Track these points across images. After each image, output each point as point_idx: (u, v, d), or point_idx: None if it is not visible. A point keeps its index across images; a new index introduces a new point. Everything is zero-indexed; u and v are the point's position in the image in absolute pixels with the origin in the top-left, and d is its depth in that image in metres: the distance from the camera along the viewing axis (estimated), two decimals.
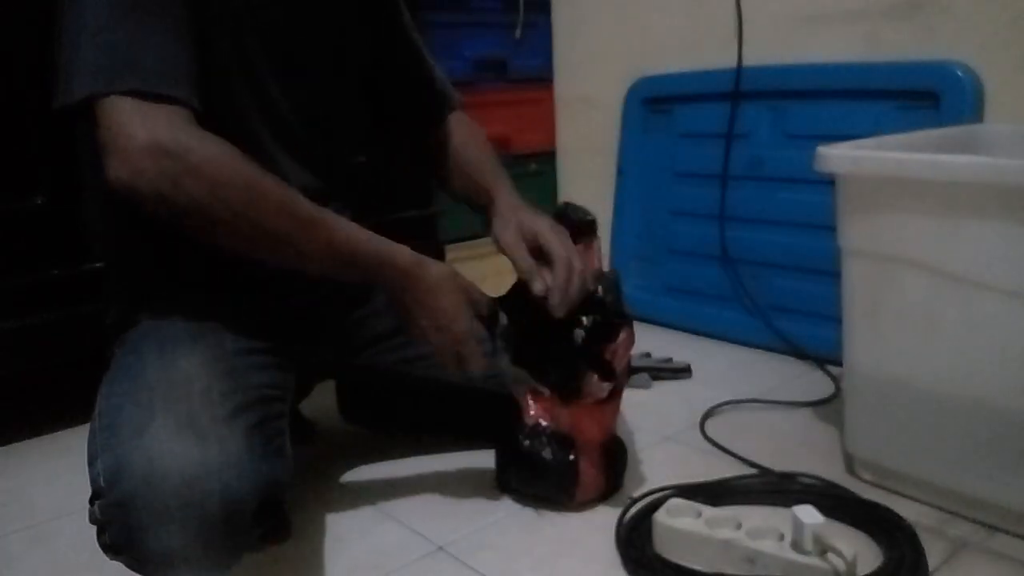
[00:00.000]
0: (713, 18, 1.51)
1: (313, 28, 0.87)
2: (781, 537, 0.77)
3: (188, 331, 0.78)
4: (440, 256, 1.58)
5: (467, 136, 1.01)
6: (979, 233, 0.78)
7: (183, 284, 0.85)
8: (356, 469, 1.07)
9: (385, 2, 0.96)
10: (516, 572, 0.82)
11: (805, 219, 1.37)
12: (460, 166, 1.00)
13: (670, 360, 1.36)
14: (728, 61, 1.47)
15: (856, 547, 0.73)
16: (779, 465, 0.98)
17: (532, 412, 0.92)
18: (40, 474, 1.10)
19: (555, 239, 0.87)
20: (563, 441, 0.91)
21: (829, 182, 0.92)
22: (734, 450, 1.04)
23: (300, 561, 0.86)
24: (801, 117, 1.39)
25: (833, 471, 0.97)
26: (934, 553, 0.80)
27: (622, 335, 0.88)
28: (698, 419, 1.15)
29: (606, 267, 0.97)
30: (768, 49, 1.44)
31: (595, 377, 0.87)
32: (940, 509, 0.88)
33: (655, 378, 1.31)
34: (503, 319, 0.87)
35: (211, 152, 0.69)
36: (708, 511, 0.82)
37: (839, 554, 0.72)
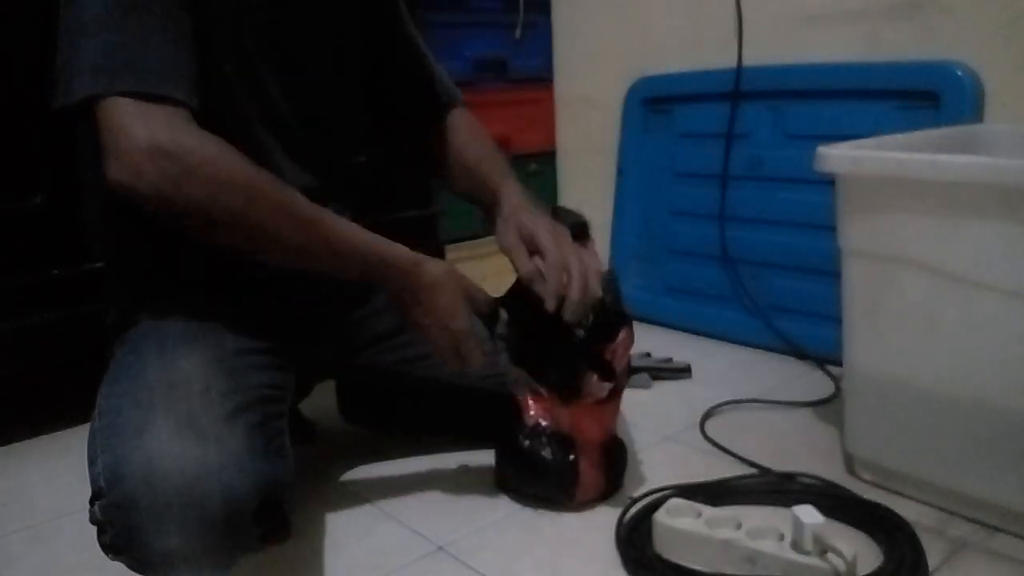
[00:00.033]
0: (713, 18, 1.51)
1: (313, 28, 0.87)
2: (781, 537, 0.77)
3: (188, 331, 0.78)
4: (440, 256, 1.58)
5: (469, 134, 1.01)
6: (979, 233, 0.78)
7: (183, 284, 0.85)
8: (356, 469, 1.07)
9: (384, 2, 0.96)
10: (516, 572, 0.82)
11: (805, 219, 1.37)
12: (463, 165, 0.99)
13: (670, 360, 1.36)
14: (728, 61, 1.47)
15: (856, 547, 0.73)
16: (779, 465, 0.98)
17: (532, 412, 0.92)
18: (40, 474, 1.10)
19: (550, 241, 0.86)
20: (563, 441, 0.91)
21: (829, 182, 0.92)
22: (734, 450, 1.04)
23: (300, 561, 0.86)
24: (801, 117, 1.39)
25: (833, 471, 0.97)
26: (934, 553, 0.80)
27: (622, 335, 0.88)
28: (698, 419, 1.15)
29: (604, 267, 0.97)
30: (768, 49, 1.44)
31: (595, 377, 0.87)
32: (940, 509, 0.88)
33: (655, 378, 1.31)
34: (503, 316, 0.87)
35: (211, 153, 0.69)
36: (708, 511, 0.82)
37: (839, 554, 0.72)
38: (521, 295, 0.88)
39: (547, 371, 0.90)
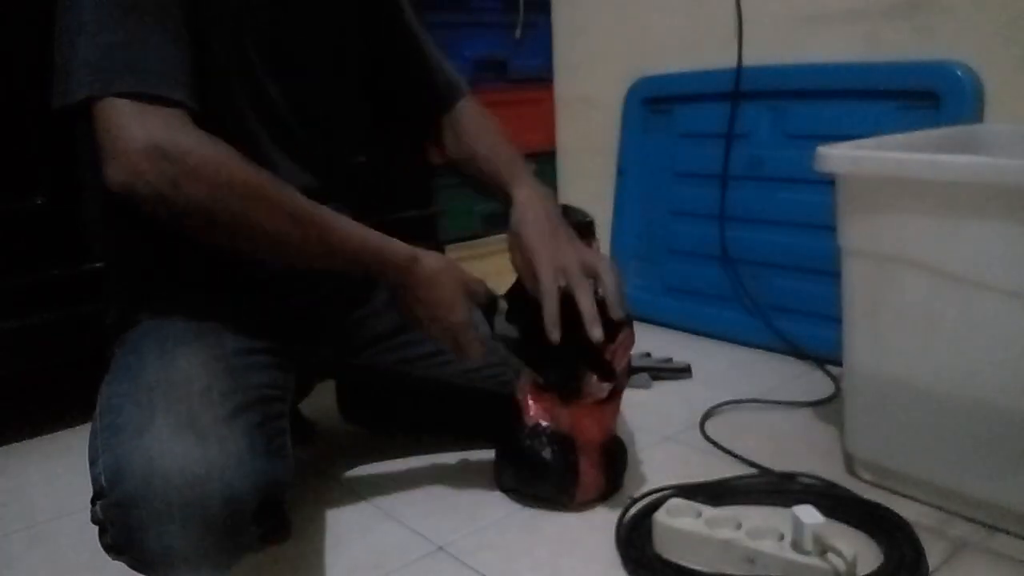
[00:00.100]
0: (713, 18, 1.51)
1: (313, 28, 0.87)
2: (781, 537, 0.77)
3: (188, 331, 0.78)
4: None
5: (477, 129, 1.00)
6: (979, 233, 0.78)
7: (183, 284, 0.85)
8: (356, 469, 1.07)
9: (384, 2, 0.96)
10: (516, 572, 0.82)
11: (805, 219, 1.37)
12: (472, 162, 0.99)
13: (670, 360, 1.36)
14: (728, 61, 1.47)
15: (856, 547, 0.73)
16: (779, 465, 0.98)
17: (532, 412, 0.92)
18: (40, 474, 1.10)
19: (545, 271, 0.85)
20: (563, 441, 0.91)
21: (829, 182, 0.92)
22: (734, 450, 1.04)
23: (300, 561, 0.86)
24: (801, 117, 1.39)
25: (833, 471, 0.97)
26: (934, 553, 0.80)
27: (622, 335, 0.88)
28: (698, 419, 1.15)
29: None
30: (768, 49, 1.44)
31: (595, 377, 0.87)
32: (940, 509, 0.88)
33: (655, 378, 1.31)
34: (502, 306, 0.87)
35: (209, 153, 0.69)
36: (708, 511, 0.82)
37: (839, 554, 0.72)
38: (521, 295, 0.88)
39: (547, 371, 0.90)
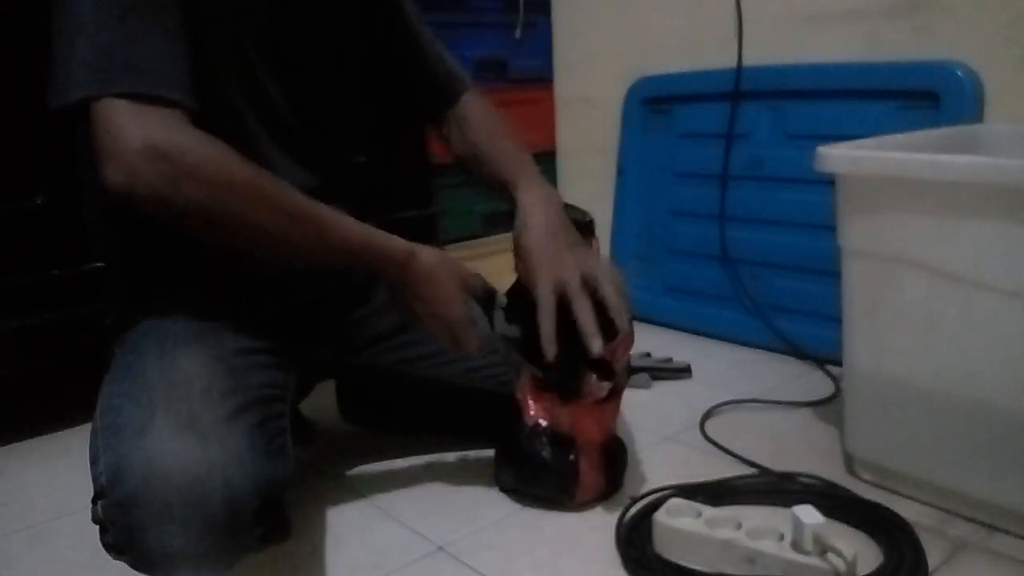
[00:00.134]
0: (713, 18, 1.51)
1: (312, 28, 0.87)
2: (781, 537, 0.77)
3: (188, 331, 0.78)
4: None
5: (482, 125, 0.99)
6: (979, 233, 0.78)
7: (183, 284, 0.85)
8: (356, 469, 1.07)
9: (384, 1, 0.96)
10: (516, 572, 0.82)
11: (805, 219, 1.37)
12: (476, 160, 0.98)
13: (670, 360, 1.36)
14: (728, 61, 1.47)
15: (856, 547, 0.73)
16: (779, 465, 0.98)
17: (532, 412, 0.92)
18: (40, 474, 1.10)
19: (543, 285, 0.85)
20: (563, 441, 0.91)
21: (829, 182, 0.92)
22: (734, 450, 1.04)
23: (300, 561, 0.86)
24: (801, 117, 1.39)
25: (833, 471, 0.97)
26: (934, 553, 0.80)
27: (622, 335, 0.88)
28: (698, 419, 1.15)
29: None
30: (768, 49, 1.44)
31: (594, 377, 0.87)
32: (940, 509, 0.88)
33: (655, 378, 1.31)
34: (500, 300, 0.88)
35: (207, 153, 0.69)
36: (708, 511, 0.82)
37: (839, 554, 0.72)
38: (521, 295, 0.88)
39: (547, 371, 0.90)
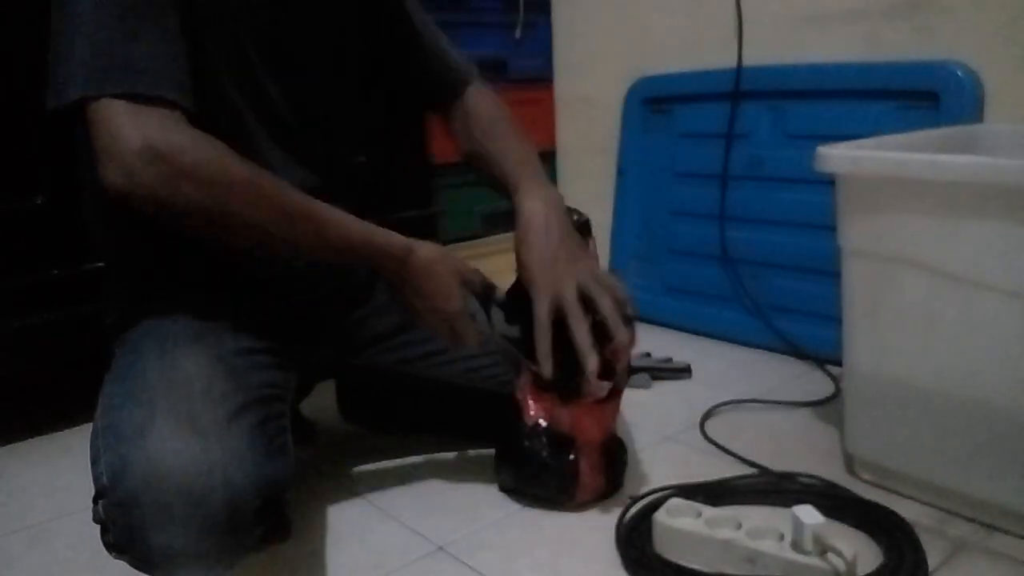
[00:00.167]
0: (713, 18, 1.51)
1: (313, 28, 0.87)
2: (781, 537, 0.77)
3: (189, 331, 0.78)
4: None
5: (488, 121, 0.99)
6: (979, 233, 0.79)
7: (183, 284, 0.85)
8: (356, 469, 1.07)
9: (385, 1, 0.96)
10: (516, 572, 0.82)
11: (805, 219, 1.37)
12: (482, 158, 0.98)
13: (670, 360, 1.36)
14: (728, 61, 1.48)
15: (856, 547, 0.73)
16: (779, 465, 0.98)
17: (532, 412, 0.92)
18: (40, 474, 1.10)
19: (541, 301, 0.85)
20: (563, 441, 0.91)
21: (829, 182, 0.92)
22: (734, 450, 1.04)
23: (300, 561, 0.86)
24: (801, 117, 1.39)
25: (833, 471, 0.97)
26: (934, 553, 0.80)
27: (618, 346, 0.87)
28: (698, 419, 1.15)
29: (604, 267, 0.97)
30: (768, 49, 1.44)
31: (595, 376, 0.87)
32: (940, 509, 0.88)
33: (655, 378, 1.31)
34: (499, 293, 0.88)
35: (205, 153, 0.69)
36: (708, 511, 0.82)
37: (839, 554, 0.72)
38: (521, 295, 0.88)
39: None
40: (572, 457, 0.90)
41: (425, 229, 1.59)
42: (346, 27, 0.92)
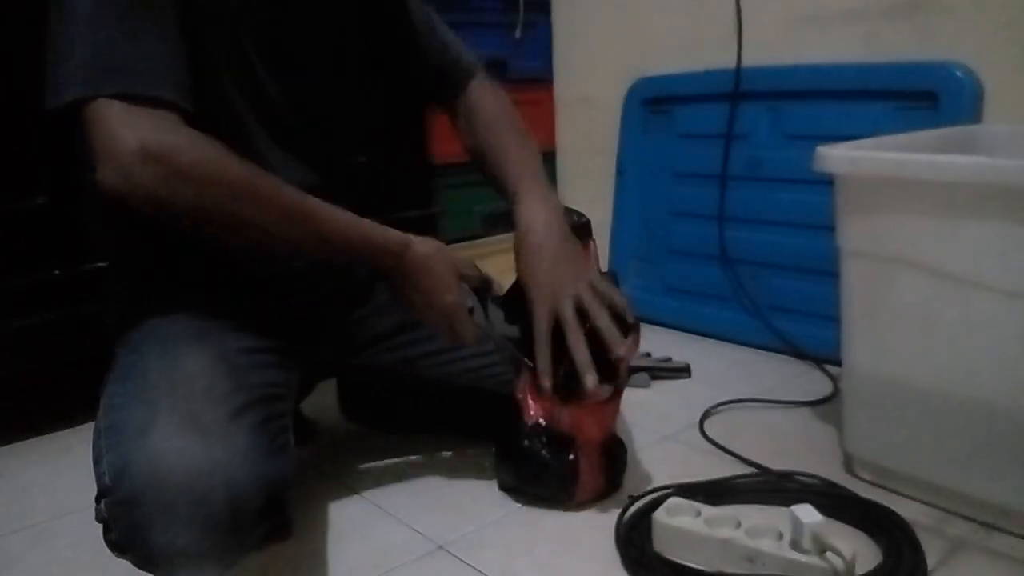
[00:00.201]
0: (713, 18, 1.51)
1: (313, 28, 0.87)
2: (780, 536, 0.77)
3: (190, 330, 0.78)
4: None
5: (491, 119, 0.99)
6: (978, 233, 0.79)
7: (184, 284, 0.85)
8: (357, 468, 1.07)
9: (385, 1, 0.96)
10: (516, 571, 0.82)
11: (804, 219, 1.37)
12: (484, 157, 0.98)
13: (670, 360, 1.36)
14: (728, 61, 1.48)
15: (855, 546, 0.73)
16: (778, 464, 0.98)
17: (532, 411, 0.92)
18: (40, 474, 1.11)
19: (540, 313, 0.85)
20: (563, 441, 0.91)
21: (829, 182, 0.92)
22: (733, 449, 1.04)
23: (301, 560, 0.86)
24: (800, 117, 1.39)
25: (832, 470, 0.97)
26: (933, 552, 0.80)
27: (628, 339, 0.88)
28: (697, 419, 1.15)
29: (604, 267, 0.97)
30: (768, 49, 1.44)
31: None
32: (939, 508, 0.88)
33: (655, 378, 1.32)
34: (496, 288, 0.88)
35: (201, 153, 0.69)
36: (707, 510, 0.82)
37: (838, 553, 0.72)
38: (521, 295, 0.88)
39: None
40: (572, 457, 0.90)
41: (425, 229, 1.57)
42: (346, 27, 0.92)
